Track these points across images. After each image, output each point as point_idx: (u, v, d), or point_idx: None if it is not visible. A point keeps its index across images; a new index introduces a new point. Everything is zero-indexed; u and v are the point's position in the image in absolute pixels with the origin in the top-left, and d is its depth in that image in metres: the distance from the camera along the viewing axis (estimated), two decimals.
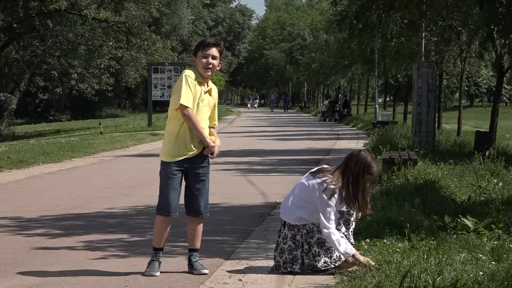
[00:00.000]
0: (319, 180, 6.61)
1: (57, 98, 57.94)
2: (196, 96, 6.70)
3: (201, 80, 6.75)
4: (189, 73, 6.72)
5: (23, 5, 39.50)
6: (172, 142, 6.71)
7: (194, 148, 6.70)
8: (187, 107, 6.61)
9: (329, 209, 6.53)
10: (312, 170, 6.81)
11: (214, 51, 6.75)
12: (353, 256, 6.55)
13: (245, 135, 33.05)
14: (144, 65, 43.91)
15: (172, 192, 6.71)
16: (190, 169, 6.74)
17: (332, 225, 6.55)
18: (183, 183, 6.85)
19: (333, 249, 6.58)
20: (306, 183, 6.67)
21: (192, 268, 6.82)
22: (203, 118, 6.76)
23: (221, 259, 7.45)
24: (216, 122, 6.95)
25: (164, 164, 6.76)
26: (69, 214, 10.72)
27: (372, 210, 6.93)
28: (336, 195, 6.56)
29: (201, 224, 6.89)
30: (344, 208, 6.72)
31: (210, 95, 6.83)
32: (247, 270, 6.87)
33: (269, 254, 7.32)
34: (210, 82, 6.89)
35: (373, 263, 6.53)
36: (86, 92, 45.17)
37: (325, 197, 6.52)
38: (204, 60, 6.73)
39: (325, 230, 6.53)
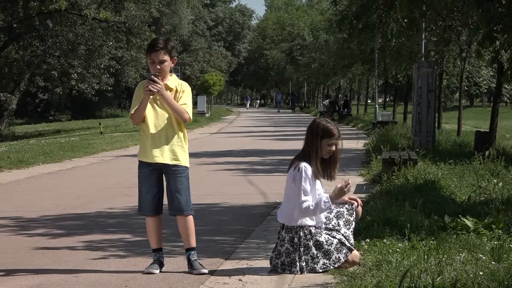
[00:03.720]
0: (293, 167, 6.64)
1: (57, 98, 57.85)
2: (152, 98, 6.68)
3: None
4: (140, 83, 6.80)
5: (23, 5, 39.48)
6: (146, 143, 6.76)
7: (165, 154, 6.70)
8: (131, 115, 6.71)
9: (303, 188, 6.53)
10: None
11: (161, 55, 6.65)
12: (329, 198, 6.54)
13: (245, 135, 33.03)
14: (144, 65, 43.90)
15: (148, 191, 6.76)
16: (166, 167, 6.76)
17: (307, 199, 6.53)
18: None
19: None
20: (287, 177, 6.72)
21: (191, 268, 6.81)
22: (165, 116, 6.69)
23: (221, 259, 7.44)
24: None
25: (140, 165, 6.82)
26: (69, 214, 10.73)
27: (349, 183, 6.75)
28: (308, 173, 6.56)
29: (190, 221, 6.83)
30: (340, 208, 6.72)
31: (170, 90, 6.72)
32: (247, 270, 6.86)
33: (269, 254, 7.30)
34: (170, 78, 6.77)
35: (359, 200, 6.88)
36: (86, 92, 45.15)
37: (299, 179, 6.53)
38: (152, 67, 6.70)
39: (303, 205, 6.52)
